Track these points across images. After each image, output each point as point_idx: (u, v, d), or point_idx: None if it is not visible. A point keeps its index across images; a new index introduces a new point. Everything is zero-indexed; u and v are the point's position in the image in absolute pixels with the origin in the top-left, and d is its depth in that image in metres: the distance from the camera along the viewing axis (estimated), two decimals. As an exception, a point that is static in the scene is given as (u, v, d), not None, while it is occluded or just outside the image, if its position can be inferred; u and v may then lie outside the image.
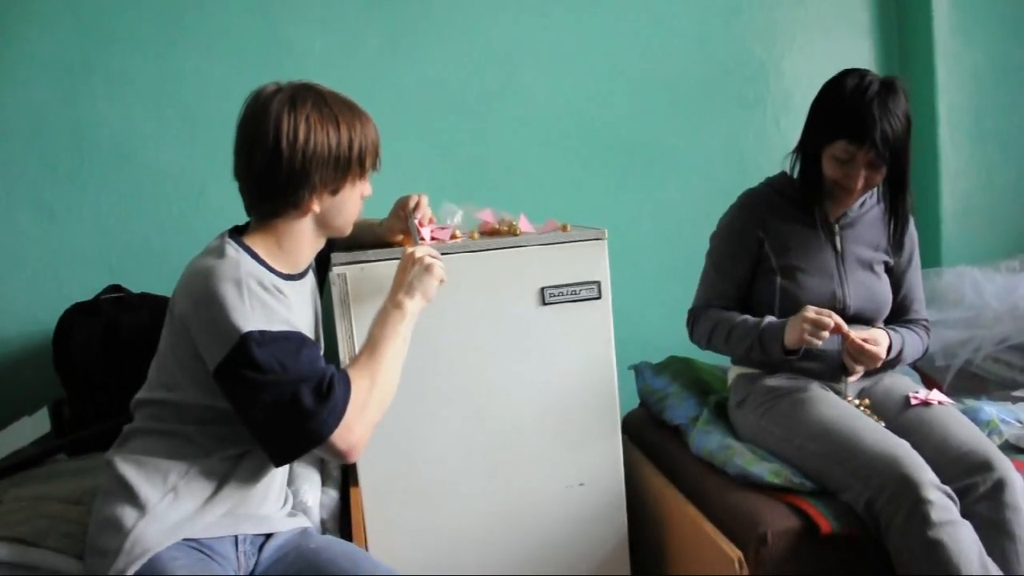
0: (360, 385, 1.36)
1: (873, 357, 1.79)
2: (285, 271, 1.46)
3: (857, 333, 1.79)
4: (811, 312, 1.76)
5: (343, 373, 1.36)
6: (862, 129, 1.75)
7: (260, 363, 1.27)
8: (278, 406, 1.28)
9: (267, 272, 1.41)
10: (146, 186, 2.38)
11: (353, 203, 1.49)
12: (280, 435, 1.31)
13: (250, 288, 1.32)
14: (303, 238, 1.47)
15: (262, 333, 1.29)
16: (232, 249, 1.39)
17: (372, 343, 1.44)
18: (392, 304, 1.48)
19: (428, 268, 1.51)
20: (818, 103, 1.88)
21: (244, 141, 1.41)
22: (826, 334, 1.75)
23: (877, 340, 1.82)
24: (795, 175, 1.95)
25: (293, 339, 1.33)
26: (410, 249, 1.54)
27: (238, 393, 1.30)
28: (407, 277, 1.50)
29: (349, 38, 2.48)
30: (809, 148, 1.89)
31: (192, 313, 1.33)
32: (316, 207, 1.43)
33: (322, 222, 1.47)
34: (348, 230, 1.54)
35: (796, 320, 1.78)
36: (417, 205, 1.74)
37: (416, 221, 1.71)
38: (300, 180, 1.38)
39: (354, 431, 1.33)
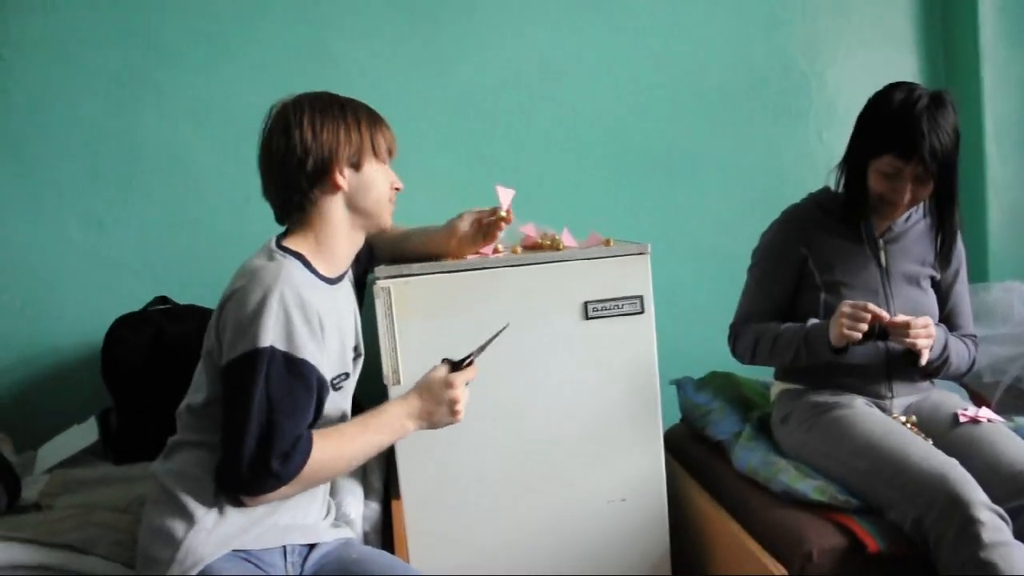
0: (314, 460, 1.34)
1: (918, 327, 1.73)
2: (326, 273, 1.48)
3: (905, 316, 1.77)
4: (847, 306, 1.74)
5: (307, 443, 1.34)
6: (910, 143, 1.73)
7: (257, 382, 1.30)
8: (244, 444, 1.29)
9: (309, 281, 1.42)
10: (192, 198, 2.43)
11: (381, 185, 1.50)
12: (226, 464, 1.33)
13: (284, 301, 1.34)
14: (339, 228, 1.48)
15: (274, 352, 1.32)
16: (279, 255, 1.42)
17: (353, 435, 1.41)
18: (400, 422, 1.44)
19: (455, 414, 1.46)
20: (865, 116, 1.86)
21: (262, 151, 1.48)
22: (864, 326, 1.71)
23: (929, 324, 1.78)
24: (840, 189, 1.93)
25: (301, 370, 1.35)
26: (455, 381, 1.45)
27: (229, 396, 1.34)
28: (434, 408, 1.45)
29: (389, 50, 2.50)
30: (855, 162, 1.87)
31: (230, 308, 1.36)
32: (342, 183, 1.45)
33: (354, 206, 1.48)
34: (384, 219, 1.53)
35: (835, 317, 1.75)
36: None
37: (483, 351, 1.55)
38: (317, 153, 1.42)
39: (275, 494, 1.34)
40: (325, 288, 1.47)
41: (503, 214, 1.71)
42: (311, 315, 1.38)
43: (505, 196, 1.73)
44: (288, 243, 1.46)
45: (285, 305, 1.34)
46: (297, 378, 1.34)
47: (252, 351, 1.31)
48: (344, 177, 1.45)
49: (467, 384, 1.48)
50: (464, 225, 1.74)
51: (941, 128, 1.73)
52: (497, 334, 1.52)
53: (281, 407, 1.31)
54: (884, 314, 1.73)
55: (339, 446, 1.39)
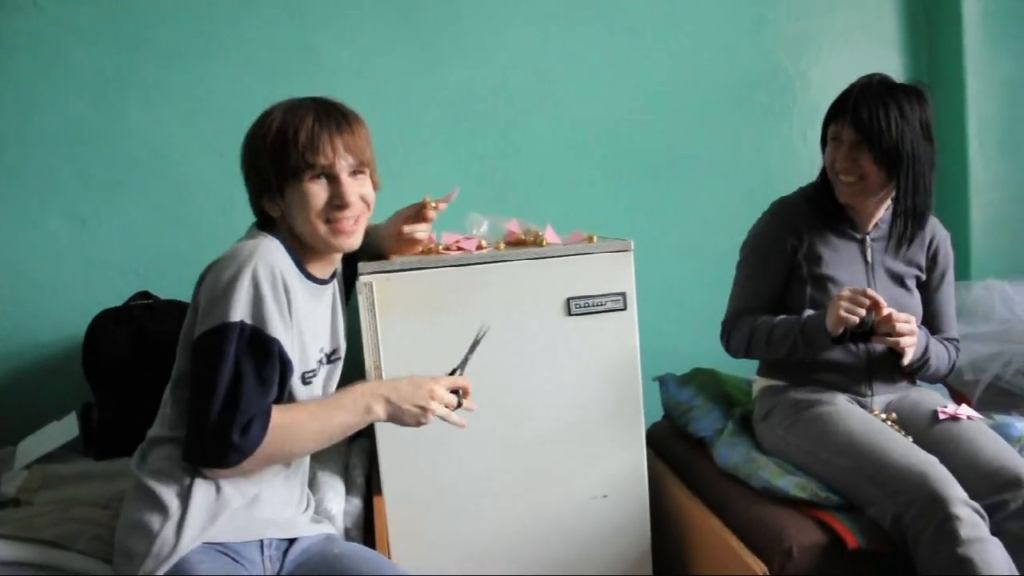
0: (274, 436, 1.33)
1: (900, 320, 1.74)
2: (310, 269, 1.49)
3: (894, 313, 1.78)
4: (846, 290, 1.74)
5: (266, 416, 1.33)
6: (842, 106, 1.82)
7: (225, 356, 1.30)
8: (209, 415, 1.29)
9: (287, 265, 1.42)
10: (177, 195, 2.41)
11: (309, 206, 1.40)
12: (192, 436, 1.33)
13: (256, 278, 1.34)
14: (304, 251, 1.47)
15: (243, 327, 1.32)
16: (261, 234, 1.43)
17: (318, 415, 1.39)
18: (365, 405, 1.41)
19: (424, 413, 1.42)
20: None
21: None
22: (862, 311, 1.71)
23: (912, 325, 1.79)
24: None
25: (267, 347, 1.34)
26: (439, 382, 1.45)
27: (197, 369, 1.34)
28: (407, 399, 1.42)
29: (379, 49, 2.50)
30: (823, 142, 1.93)
31: (207, 281, 1.37)
32: (273, 211, 1.45)
33: (296, 230, 1.44)
34: (334, 242, 1.44)
35: (832, 303, 1.75)
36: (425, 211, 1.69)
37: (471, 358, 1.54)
38: (250, 186, 1.46)
39: (238, 468, 1.33)
40: (304, 282, 1.46)
41: (433, 201, 1.67)
42: (280, 295, 1.37)
43: (452, 195, 1.70)
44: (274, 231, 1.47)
45: (257, 281, 1.34)
46: (264, 354, 1.34)
47: (221, 325, 1.31)
48: (276, 205, 1.44)
49: (458, 397, 1.47)
50: (402, 211, 1.71)
51: (885, 103, 1.78)
52: (478, 340, 1.51)
53: (246, 382, 1.31)
54: (882, 300, 1.73)
55: (301, 422, 1.37)
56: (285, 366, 1.38)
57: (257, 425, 1.31)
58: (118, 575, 1.38)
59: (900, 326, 1.74)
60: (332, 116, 1.42)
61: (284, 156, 1.38)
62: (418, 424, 1.44)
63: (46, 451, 2.01)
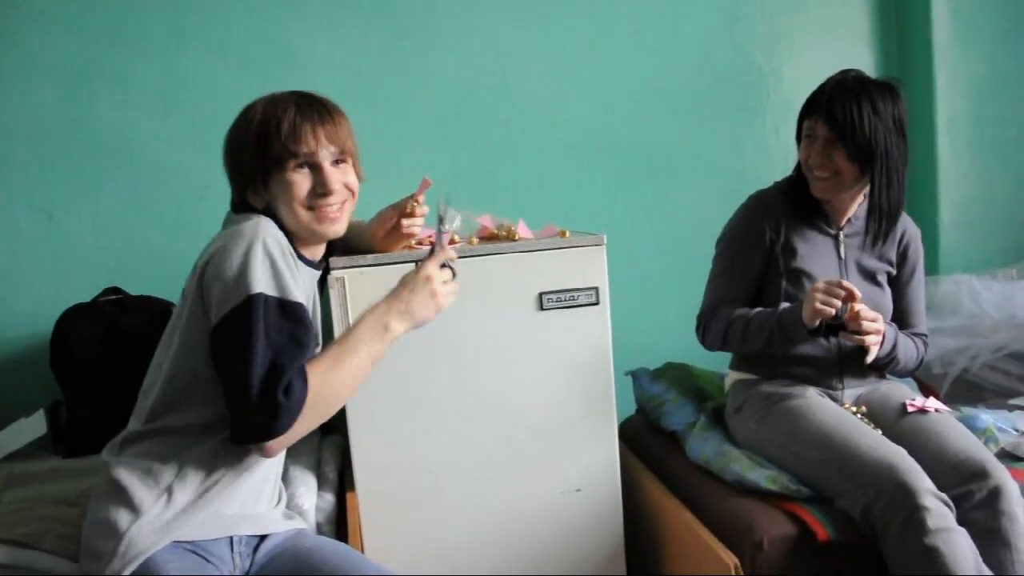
0: (314, 390, 1.32)
1: (867, 319, 1.76)
2: (301, 251, 1.49)
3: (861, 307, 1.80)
4: (822, 283, 1.75)
5: (303, 371, 1.31)
6: (816, 102, 1.84)
7: (255, 330, 1.28)
8: (251, 387, 1.27)
9: (284, 242, 1.42)
10: (147, 188, 2.39)
11: (291, 196, 1.43)
12: (238, 415, 1.30)
13: (269, 250, 1.34)
14: (291, 236, 1.47)
15: (267, 299, 1.30)
16: (255, 215, 1.42)
17: (340, 354, 1.37)
18: (380, 322, 1.41)
19: (434, 295, 1.44)
20: None
21: None
22: (838, 302, 1.71)
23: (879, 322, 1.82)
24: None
25: (294, 312, 1.33)
26: (425, 265, 1.46)
27: (227, 352, 1.31)
28: (410, 296, 1.43)
29: (351, 42, 2.48)
30: (797, 137, 1.94)
31: (211, 267, 1.34)
32: (256, 202, 1.46)
33: (281, 219, 1.45)
34: (319, 229, 1.47)
35: (808, 296, 1.75)
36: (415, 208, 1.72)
37: (445, 232, 1.54)
38: (234, 177, 1.47)
39: (292, 432, 1.31)
40: (298, 261, 1.47)
41: (418, 198, 1.70)
42: (291, 265, 1.39)
43: (424, 184, 1.72)
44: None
45: (270, 253, 1.34)
46: (293, 319, 1.33)
47: (245, 300, 1.29)
48: (260, 197, 1.46)
49: (450, 268, 1.49)
50: (385, 213, 1.74)
51: (858, 99, 1.79)
52: (442, 216, 1.51)
53: (284, 350, 1.29)
54: (856, 291, 1.73)
55: (331, 365, 1.35)
56: (308, 330, 1.37)
57: (298, 382, 1.29)
58: (85, 575, 1.36)
59: (866, 324, 1.76)
60: (313, 107, 1.45)
61: (267, 147, 1.41)
62: (440, 310, 1.45)
63: (13, 449, 1.98)
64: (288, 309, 1.33)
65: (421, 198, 1.71)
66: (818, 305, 1.72)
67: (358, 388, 1.40)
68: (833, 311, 1.72)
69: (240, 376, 1.27)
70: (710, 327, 1.99)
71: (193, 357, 1.37)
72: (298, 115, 1.42)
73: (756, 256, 1.95)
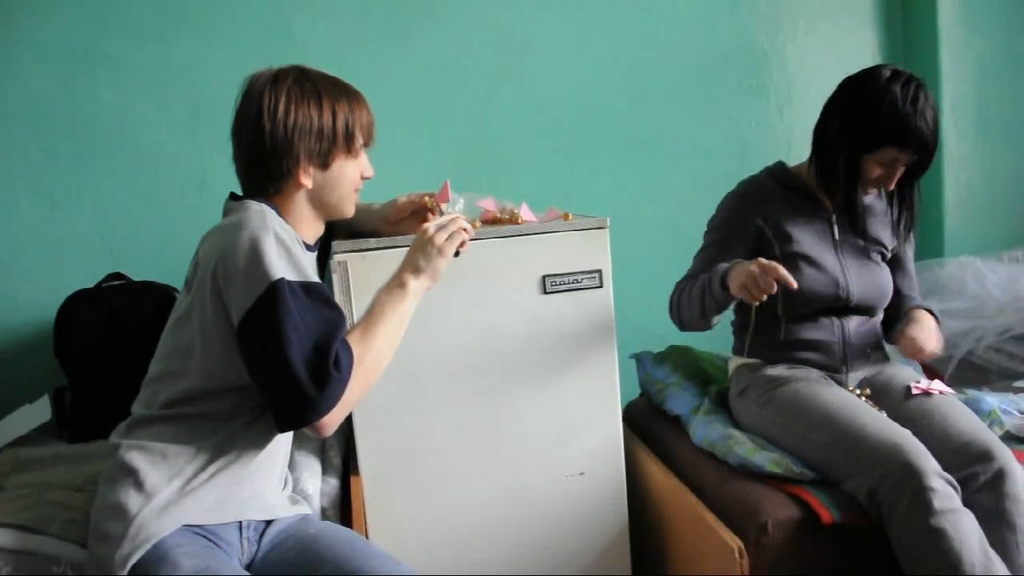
0: (357, 355, 1.36)
1: (925, 340, 1.80)
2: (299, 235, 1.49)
3: (906, 329, 1.82)
4: (756, 268, 1.65)
5: (345, 342, 1.34)
6: (915, 137, 1.75)
7: (283, 316, 1.27)
8: (295, 371, 1.27)
9: (287, 227, 1.43)
10: (148, 173, 2.38)
11: (348, 180, 1.50)
12: (287, 399, 1.30)
13: (279, 237, 1.35)
14: (300, 219, 1.48)
15: (289, 284, 1.30)
16: (254, 204, 1.42)
17: (370, 320, 1.41)
18: (396, 283, 1.45)
19: (440, 250, 1.46)
20: (858, 107, 1.81)
21: (234, 123, 1.46)
22: (764, 296, 1.65)
23: (923, 324, 1.83)
24: (812, 169, 1.93)
25: (320, 292, 1.35)
26: (425, 226, 1.49)
27: (260, 342, 1.29)
28: (414, 255, 1.46)
29: (351, 25, 2.47)
30: (850, 151, 1.83)
31: (222, 265, 1.33)
32: (307, 182, 1.45)
33: (316, 200, 1.48)
34: (347, 210, 1.53)
35: (743, 274, 1.67)
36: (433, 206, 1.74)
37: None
38: (284, 151, 1.41)
39: (342, 405, 1.33)
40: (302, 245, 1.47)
41: (435, 201, 1.72)
42: (298, 249, 1.40)
43: (446, 189, 1.74)
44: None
45: (280, 239, 1.35)
46: (320, 299, 1.35)
47: (269, 288, 1.29)
48: (309, 176, 1.45)
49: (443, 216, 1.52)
50: (402, 203, 1.75)
51: (936, 118, 1.77)
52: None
53: (321, 328, 1.31)
54: (791, 281, 1.65)
55: (364, 331, 1.39)
56: (335, 305, 1.38)
57: (343, 353, 1.31)
58: (93, 559, 1.36)
59: (927, 348, 1.80)
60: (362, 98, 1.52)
61: (351, 136, 1.46)
62: (444, 255, 1.47)
63: (18, 434, 1.99)
64: (312, 290, 1.34)
65: (444, 205, 1.72)
66: (746, 292, 1.67)
67: (394, 350, 1.44)
68: (757, 302, 1.69)
69: (281, 362, 1.27)
70: (673, 299, 1.96)
71: (216, 351, 1.36)
72: (366, 109, 1.51)
73: (741, 243, 1.93)
